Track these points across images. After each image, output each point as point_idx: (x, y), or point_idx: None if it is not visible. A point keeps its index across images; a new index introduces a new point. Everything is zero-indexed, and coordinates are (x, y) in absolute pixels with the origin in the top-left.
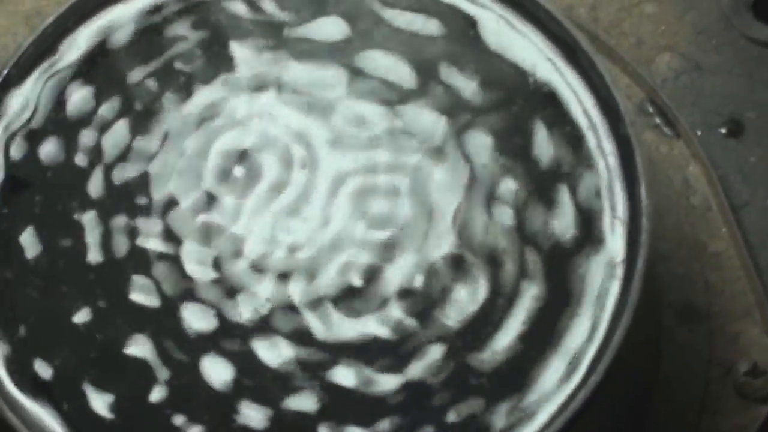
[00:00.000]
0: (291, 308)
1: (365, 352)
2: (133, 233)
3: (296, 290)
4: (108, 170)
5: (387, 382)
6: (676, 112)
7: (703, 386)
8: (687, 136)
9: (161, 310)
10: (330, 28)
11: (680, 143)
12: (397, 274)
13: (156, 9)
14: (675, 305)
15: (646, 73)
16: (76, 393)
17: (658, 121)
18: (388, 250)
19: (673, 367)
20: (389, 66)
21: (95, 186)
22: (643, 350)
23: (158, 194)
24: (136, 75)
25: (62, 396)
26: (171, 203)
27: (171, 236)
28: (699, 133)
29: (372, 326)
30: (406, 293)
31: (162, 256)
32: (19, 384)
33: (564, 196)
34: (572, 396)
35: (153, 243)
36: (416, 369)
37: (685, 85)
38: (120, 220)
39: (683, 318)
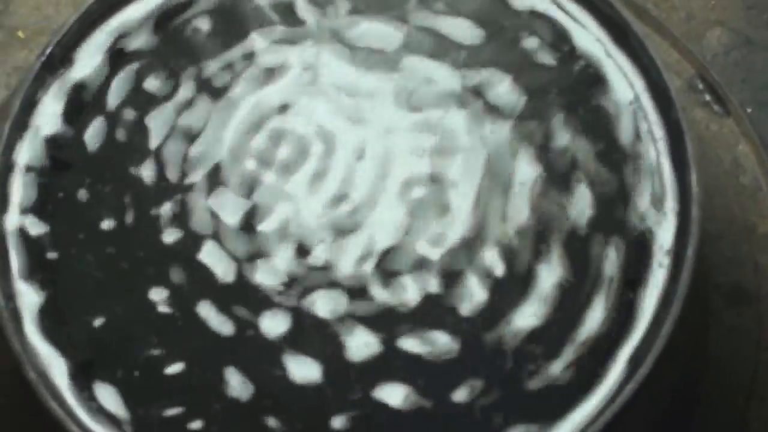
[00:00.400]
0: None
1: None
2: (178, 217)
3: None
4: (153, 152)
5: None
6: (726, 89)
7: (751, 370)
8: (737, 113)
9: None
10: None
11: (730, 121)
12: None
13: None
14: (723, 287)
15: (696, 49)
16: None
17: (707, 98)
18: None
19: (721, 351)
20: (431, 69)
21: (139, 169)
22: (691, 334)
23: (202, 175)
24: (183, 54)
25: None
26: (216, 184)
27: (215, 218)
28: (749, 110)
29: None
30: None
31: (206, 240)
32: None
33: (612, 180)
34: (621, 385)
35: (198, 225)
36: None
37: (736, 61)
38: (166, 206)
39: (732, 301)
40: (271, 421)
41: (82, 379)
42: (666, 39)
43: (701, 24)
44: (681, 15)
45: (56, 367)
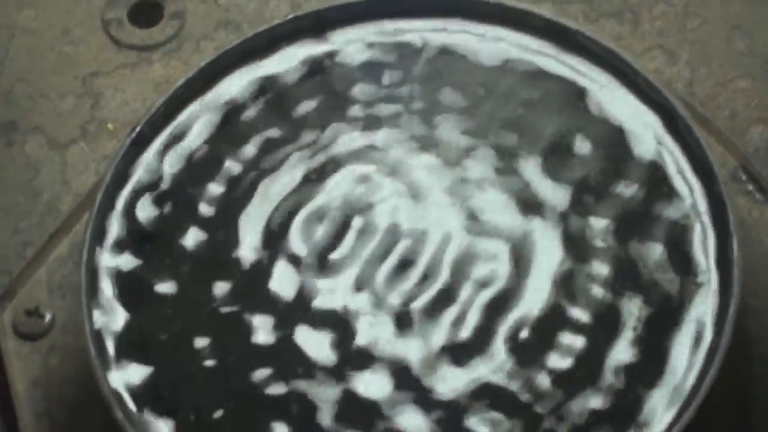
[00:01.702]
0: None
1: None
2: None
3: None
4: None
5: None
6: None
7: None
8: None
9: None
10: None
11: None
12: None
13: (274, 77)
14: (766, 356)
15: (739, 143)
16: None
17: (750, 187)
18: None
19: (763, 414)
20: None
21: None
22: (732, 400)
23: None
24: (255, 141)
25: None
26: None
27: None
28: None
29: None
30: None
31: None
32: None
33: (661, 254)
34: None
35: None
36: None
37: None
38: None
39: None
40: None
41: None
42: (711, 134)
43: (744, 121)
44: (725, 113)
45: None
